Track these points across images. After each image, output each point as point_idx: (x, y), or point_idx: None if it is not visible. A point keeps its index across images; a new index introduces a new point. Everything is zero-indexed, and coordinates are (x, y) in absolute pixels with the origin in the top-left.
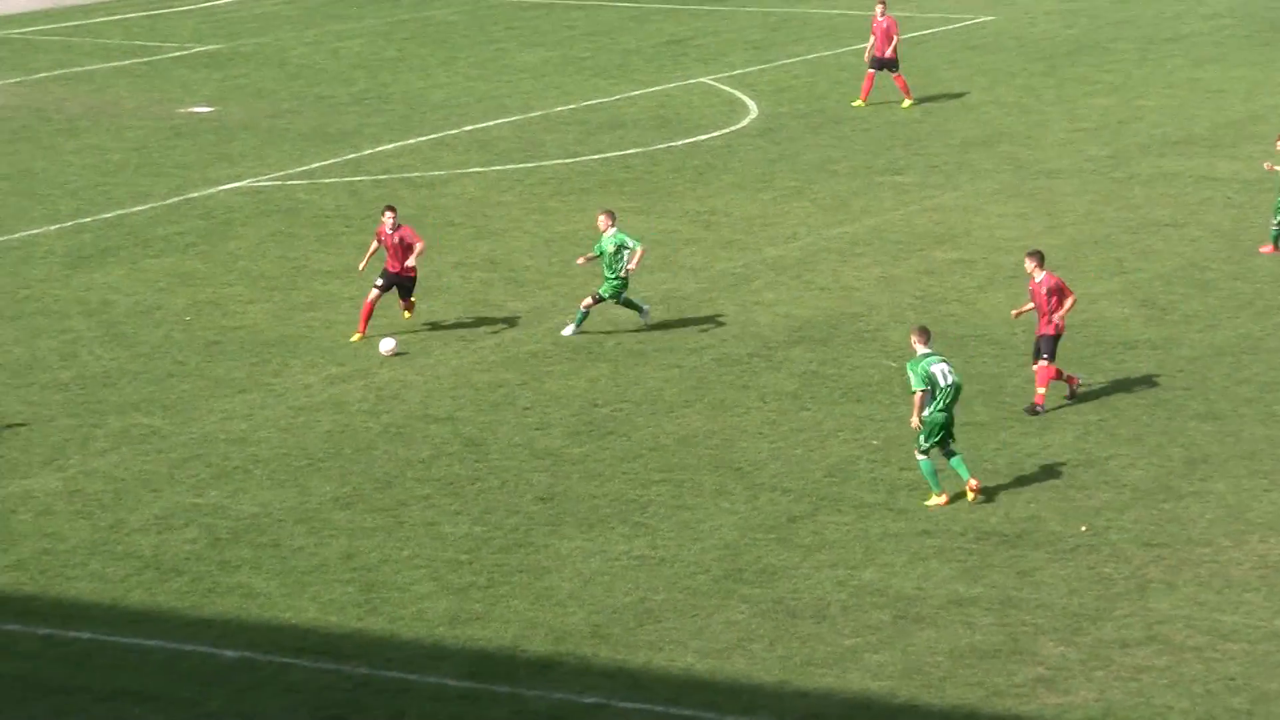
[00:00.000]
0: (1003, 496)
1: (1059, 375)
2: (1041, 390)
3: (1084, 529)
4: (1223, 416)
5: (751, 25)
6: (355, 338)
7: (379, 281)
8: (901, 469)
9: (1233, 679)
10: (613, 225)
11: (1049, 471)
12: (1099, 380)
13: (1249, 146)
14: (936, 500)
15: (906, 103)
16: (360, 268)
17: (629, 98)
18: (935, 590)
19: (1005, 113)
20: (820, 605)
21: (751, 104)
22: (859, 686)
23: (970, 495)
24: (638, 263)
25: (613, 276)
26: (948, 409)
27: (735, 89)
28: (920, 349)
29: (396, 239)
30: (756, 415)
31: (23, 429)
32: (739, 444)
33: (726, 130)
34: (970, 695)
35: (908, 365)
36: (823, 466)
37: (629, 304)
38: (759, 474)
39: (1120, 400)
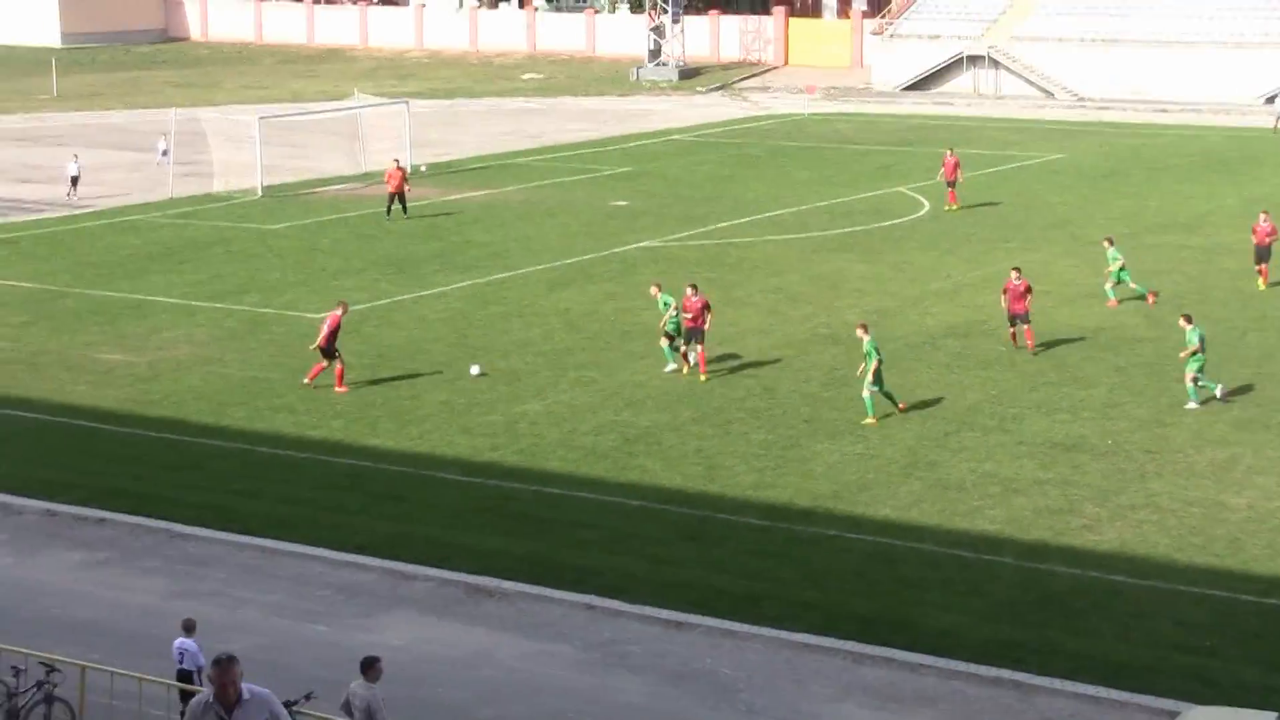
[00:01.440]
0: (1062, 423)
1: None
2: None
3: (1109, 442)
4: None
5: (927, 160)
6: (703, 379)
7: (681, 344)
8: (1010, 408)
9: (1195, 527)
10: (660, 291)
11: (1087, 408)
12: (1110, 361)
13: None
14: (869, 420)
15: (953, 207)
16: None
17: (858, 198)
18: (1026, 475)
19: (1068, 209)
20: (961, 482)
21: (926, 203)
22: (981, 528)
23: (900, 409)
24: (669, 315)
25: (671, 321)
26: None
27: (916, 194)
28: (864, 336)
29: (700, 304)
30: (925, 376)
31: (524, 375)
32: (915, 392)
33: (911, 217)
34: (1044, 533)
35: (869, 344)
36: (964, 405)
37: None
38: (927, 408)
39: (1130, 368)
